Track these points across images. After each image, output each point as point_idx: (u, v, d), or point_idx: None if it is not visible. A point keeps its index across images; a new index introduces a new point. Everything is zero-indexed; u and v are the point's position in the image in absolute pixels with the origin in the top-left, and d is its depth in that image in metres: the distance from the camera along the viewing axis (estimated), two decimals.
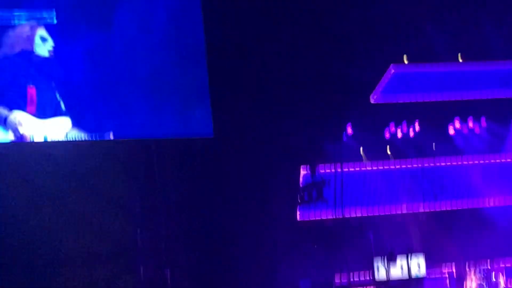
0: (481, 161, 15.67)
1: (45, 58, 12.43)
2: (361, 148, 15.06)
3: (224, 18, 13.57)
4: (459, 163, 15.54)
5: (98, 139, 12.65)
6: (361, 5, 13.86)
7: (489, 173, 15.65)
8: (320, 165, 14.24)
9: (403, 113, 14.91)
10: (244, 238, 13.90)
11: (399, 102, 14.69)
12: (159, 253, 13.55)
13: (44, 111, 12.33)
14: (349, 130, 14.85)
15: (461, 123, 15.49)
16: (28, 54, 12.38)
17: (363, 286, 14.64)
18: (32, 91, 12.26)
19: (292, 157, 14.29)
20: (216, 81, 13.48)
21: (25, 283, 12.48)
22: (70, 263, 12.87)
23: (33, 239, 12.63)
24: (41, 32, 12.42)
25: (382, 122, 14.97)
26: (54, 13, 12.58)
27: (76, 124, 12.54)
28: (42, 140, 12.29)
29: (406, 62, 14.47)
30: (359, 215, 14.97)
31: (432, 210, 15.48)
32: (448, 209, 15.60)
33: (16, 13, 12.44)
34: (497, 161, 15.79)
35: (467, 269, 14.96)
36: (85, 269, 12.96)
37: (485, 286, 14.69)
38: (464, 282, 14.87)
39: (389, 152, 15.21)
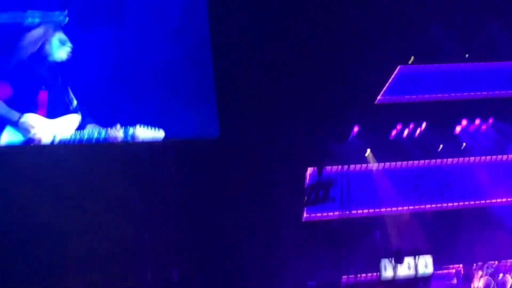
0: (488, 160, 15.70)
1: (60, 60, 12.57)
2: (368, 150, 15.10)
3: (230, 20, 13.58)
4: (466, 162, 15.57)
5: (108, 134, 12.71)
6: (366, 6, 13.84)
7: (496, 172, 15.67)
8: (326, 165, 14.27)
9: (410, 113, 14.96)
10: (250, 238, 13.96)
11: (405, 102, 14.71)
12: (164, 254, 13.60)
13: (54, 112, 12.40)
14: (356, 130, 14.89)
15: (468, 122, 15.54)
16: (43, 58, 12.49)
17: (370, 285, 14.71)
18: (44, 95, 12.40)
19: (298, 157, 14.31)
20: (223, 82, 13.50)
21: (29, 282, 12.59)
22: (77, 263, 12.93)
23: (43, 239, 12.72)
24: (60, 35, 12.51)
25: (389, 123, 15.03)
26: (66, 12, 12.68)
27: (88, 119, 12.65)
28: (51, 139, 12.41)
29: (411, 62, 14.52)
30: (365, 214, 15.01)
31: (439, 209, 15.53)
32: (455, 208, 15.64)
33: (29, 13, 12.56)
34: (505, 160, 15.82)
35: (475, 268, 15.01)
36: (91, 269, 13.01)
37: (492, 284, 14.73)
38: (472, 280, 14.91)
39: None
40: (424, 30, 14.24)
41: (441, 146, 15.31)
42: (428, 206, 15.51)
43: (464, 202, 15.64)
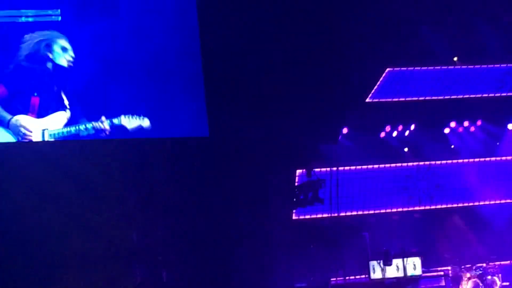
0: (477, 162, 15.77)
1: (58, 66, 12.62)
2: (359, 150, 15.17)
3: (219, 20, 13.60)
4: (455, 164, 15.64)
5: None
6: (356, 8, 13.86)
7: (485, 174, 15.73)
8: (315, 165, 14.29)
9: (399, 115, 15.02)
10: (239, 238, 13.93)
11: (394, 104, 14.75)
12: (155, 254, 13.60)
13: (45, 112, 12.55)
14: (345, 132, 14.93)
15: (457, 124, 15.61)
16: (41, 61, 12.53)
17: (358, 285, 14.72)
18: (35, 100, 12.50)
19: (288, 157, 14.33)
20: (212, 81, 13.52)
21: (21, 283, 12.56)
22: (68, 263, 12.91)
23: (33, 238, 12.71)
24: (63, 42, 12.57)
25: (379, 124, 15.09)
26: (59, 11, 12.72)
27: (78, 115, 12.68)
28: (40, 135, 12.45)
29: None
30: (354, 216, 15.05)
31: (428, 211, 15.57)
32: (444, 210, 15.70)
33: (22, 12, 12.59)
34: (493, 161, 15.88)
35: (463, 270, 15.02)
36: (81, 269, 12.98)
37: (480, 286, 14.73)
38: (460, 282, 14.92)
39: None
40: (413, 33, 14.28)
41: (431, 147, 15.37)
42: (417, 207, 15.57)
43: (453, 204, 15.71)
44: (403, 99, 14.72)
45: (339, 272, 14.43)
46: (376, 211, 15.25)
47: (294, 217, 14.65)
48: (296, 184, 14.55)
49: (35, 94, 12.46)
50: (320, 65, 14.01)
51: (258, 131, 13.95)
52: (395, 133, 15.36)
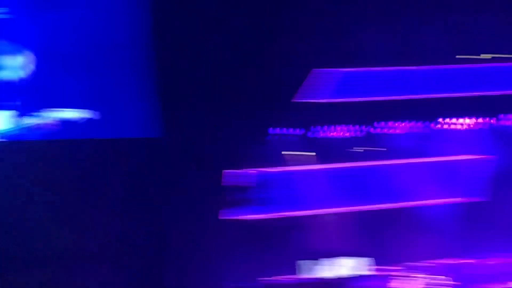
0: (416, 162, 15.75)
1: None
2: (287, 151, 15.17)
3: (172, 21, 13.72)
4: (389, 164, 15.63)
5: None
6: (282, 9, 13.94)
7: (418, 173, 15.72)
8: (245, 166, 14.36)
9: (327, 115, 15.04)
10: (170, 239, 14.16)
11: (322, 104, 14.78)
12: (96, 254, 13.72)
13: None
14: (274, 132, 14.99)
15: (385, 124, 15.61)
16: None
17: (289, 285, 14.74)
18: None
19: (218, 158, 14.43)
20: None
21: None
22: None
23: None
24: (20, 59, 12.64)
25: (307, 124, 15.12)
26: (7, 9, 12.76)
27: (21, 112, 12.76)
28: None
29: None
30: (285, 215, 15.05)
31: (364, 210, 15.56)
32: (381, 209, 15.66)
33: None
34: (434, 161, 15.88)
35: (407, 269, 15.03)
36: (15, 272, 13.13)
37: (426, 285, 14.75)
38: (405, 281, 14.92)
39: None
40: (341, 33, 14.30)
41: (361, 147, 15.38)
42: (350, 208, 15.54)
43: (389, 204, 15.67)
44: (329, 100, 14.72)
45: (269, 273, 14.48)
46: (307, 212, 15.23)
47: (223, 217, 14.67)
48: (226, 184, 14.58)
49: None
50: (248, 65, 14.10)
51: (187, 133, 14.20)
52: (324, 134, 15.39)
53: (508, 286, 14.78)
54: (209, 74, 14.06)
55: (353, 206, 15.40)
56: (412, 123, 15.62)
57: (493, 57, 15.23)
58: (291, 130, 15.04)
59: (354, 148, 15.28)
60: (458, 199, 15.77)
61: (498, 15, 14.78)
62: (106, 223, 13.82)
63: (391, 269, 15.29)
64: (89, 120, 12.90)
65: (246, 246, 14.53)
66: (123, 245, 13.92)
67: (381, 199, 15.46)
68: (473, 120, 16.07)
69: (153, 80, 13.72)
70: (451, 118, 15.91)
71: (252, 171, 14.60)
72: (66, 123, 12.86)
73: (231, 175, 14.56)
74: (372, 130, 15.52)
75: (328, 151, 15.22)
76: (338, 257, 14.86)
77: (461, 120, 15.96)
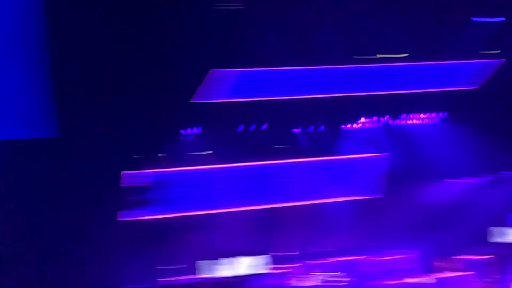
0: (323, 161, 16.02)
1: None
2: (185, 151, 15.21)
3: (68, 20, 13.54)
4: (300, 162, 15.85)
5: None
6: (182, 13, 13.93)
7: (332, 172, 15.98)
8: (147, 166, 14.34)
9: (227, 115, 15.13)
10: (68, 240, 13.97)
11: (221, 104, 14.86)
12: None
13: None
14: (172, 132, 15.00)
15: (304, 125, 15.86)
16: None
17: (188, 285, 14.80)
18: None
19: (118, 159, 14.36)
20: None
21: None
22: None
23: None
24: None
25: (209, 124, 15.22)
26: None
27: None
28: None
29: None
30: (186, 215, 15.09)
31: (269, 208, 15.72)
32: (287, 207, 15.86)
33: None
34: (339, 160, 16.17)
35: (305, 266, 15.26)
36: None
37: (324, 282, 14.98)
38: (304, 278, 15.13)
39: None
40: (240, 34, 14.37)
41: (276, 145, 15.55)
42: (257, 206, 15.68)
43: (296, 202, 15.85)
44: (229, 100, 14.82)
45: (168, 272, 14.51)
46: (206, 212, 15.29)
47: (125, 218, 14.60)
48: (124, 185, 14.53)
49: None
50: (145, 66, 14.07)
51: (89, 133, 14.03)
52: (233, 133, 15.48)
53: (404, 281, 15.15)
54: (106, 75, 13.92)
55: (251, 205, 15.58)
56: (311, 123, 15.93)
57: (388, 57, 15.56)
58: (188, 130, 15.09)
59: (250, 147, 15.41)
60: (354, 197, 16.15)
61: (394, 17, 15.09)
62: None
63: (288, 267, 15.54)
64: None
65: (146, 247, 14.52)
66: (22, 245, 13.73)
67: (278, 198, 15.68)
68: (368, 119, 16.50)
69: (49, 80, 13.55)
70: (347, 117, 16.28)
71: (150, 171, 14.58)
72: None
73: (130, 176, 14.52)
74: (269, 129, 15.72)
75: (226, 151, 15.33)
76: (237, 256, 14.98)
77: (357, 120, 16.39)
